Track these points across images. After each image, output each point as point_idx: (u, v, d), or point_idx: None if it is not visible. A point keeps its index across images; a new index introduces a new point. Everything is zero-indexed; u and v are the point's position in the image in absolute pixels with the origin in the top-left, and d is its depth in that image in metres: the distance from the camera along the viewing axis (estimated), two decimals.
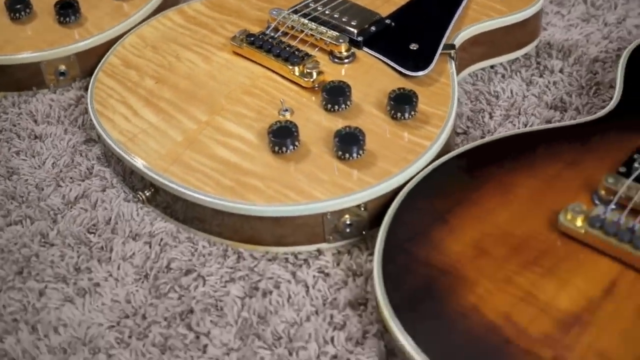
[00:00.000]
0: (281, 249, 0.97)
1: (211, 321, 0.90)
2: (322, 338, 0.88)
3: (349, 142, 0.96)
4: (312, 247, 0.97)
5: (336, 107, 1.02)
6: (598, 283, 0.82)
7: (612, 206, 0.87)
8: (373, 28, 1.12)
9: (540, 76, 1.20)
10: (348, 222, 0.95)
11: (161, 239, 0.99)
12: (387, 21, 1.15)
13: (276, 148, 0.97)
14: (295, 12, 1.15)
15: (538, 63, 1.22)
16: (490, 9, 1.18)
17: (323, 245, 0.97)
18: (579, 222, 0.85)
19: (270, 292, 0.93)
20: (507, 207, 0.90)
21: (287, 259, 0.96)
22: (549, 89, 1.17)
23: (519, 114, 1.14)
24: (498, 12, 1.18)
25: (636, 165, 0.91)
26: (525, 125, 1.12)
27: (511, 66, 1.22)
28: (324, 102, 1.03)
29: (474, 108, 1.15)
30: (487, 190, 0.93)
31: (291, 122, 0.99)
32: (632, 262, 0.83)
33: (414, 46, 1.10)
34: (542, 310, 0.80)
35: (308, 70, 1.05)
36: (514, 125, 1.12)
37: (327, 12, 1.15)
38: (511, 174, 0.94)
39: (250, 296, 0.92)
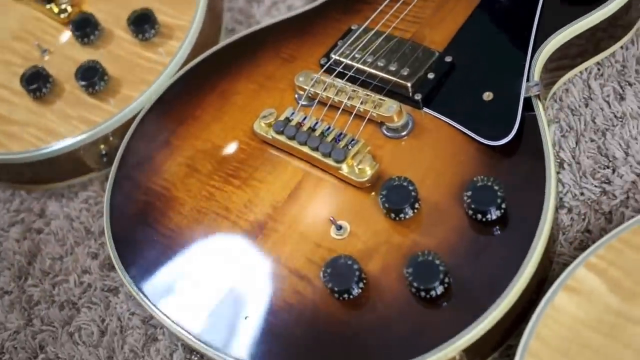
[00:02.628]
0: (59, 185, 0.99)
1: None
2: (80, 268, 0.91)
3: (88, 77, 0.95)
4: (85, 178, 0.98)
5: (86, 39, 1.00)
6: (285, 188, 0.80)
7: (302, 103, 0.84)
8: None
9: None
10: (104, 153, 0.96)
11: None
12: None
13: (31, 94, 0.97)
14: None
15: None
16: None
17: (94, 174, 0.98)
18: (268, 128, 0.83)
19: (42, 231, 0.96)
20: (221, 119, 0.88)
21: (62, 195, 0.99)
22: None
23: None
24: None
25: (336, 57, 0.86)
26: (290, 8, 1.07)
27: None
28: (75, 37, 1.01)
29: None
30: (209, 103, 0.90)
31: (40, 66, 0.98)
32: (314, 162, 0.80)
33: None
34: (234, 224, 0.80)
35: (62, 5, 1.03)
36: (279, 11, 1.07)
37: None
38: (233, 80, 0.91)
39: (24, 238, 0.96)
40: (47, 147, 0.94)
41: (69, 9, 1.02)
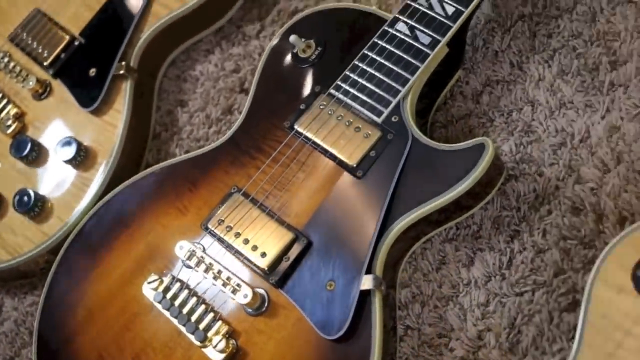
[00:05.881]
0: (11, 283, 1.14)
1: None
2: None
3: (24, 204, 1.07)
4: (32, 279, 1.13)
5: (25, 160, 1.10)
6: (165, 348, 0.92)
7: (186, 264, 0.93)
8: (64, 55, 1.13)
9: (238, 44, 1.17)
10: (42, 267, 1.09)
11: None
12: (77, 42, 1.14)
13: None
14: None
15: (238, 27, 1.18)
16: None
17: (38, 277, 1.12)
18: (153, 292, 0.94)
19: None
20: (123, 264, 0.98)
21: (15, 294, 1.14)
22: (246, 59, 1.15)
23: (206, 105, 1.14)
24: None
25: (212, 228, 0.94)
26: (208, 117, 1.13)
27: (215, 37, 1.18)
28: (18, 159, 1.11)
29: (175, 98, 1.17)
30: (119, 243, 0.99)
31: None
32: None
33: (92, 71, 1.11)
34: None
35: (7, 123, 1.12)
36: (198, 119, 1.13)
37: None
38: (138, 224, 0.99)
39: None
40: None
41: (13, 124, 1.12)
